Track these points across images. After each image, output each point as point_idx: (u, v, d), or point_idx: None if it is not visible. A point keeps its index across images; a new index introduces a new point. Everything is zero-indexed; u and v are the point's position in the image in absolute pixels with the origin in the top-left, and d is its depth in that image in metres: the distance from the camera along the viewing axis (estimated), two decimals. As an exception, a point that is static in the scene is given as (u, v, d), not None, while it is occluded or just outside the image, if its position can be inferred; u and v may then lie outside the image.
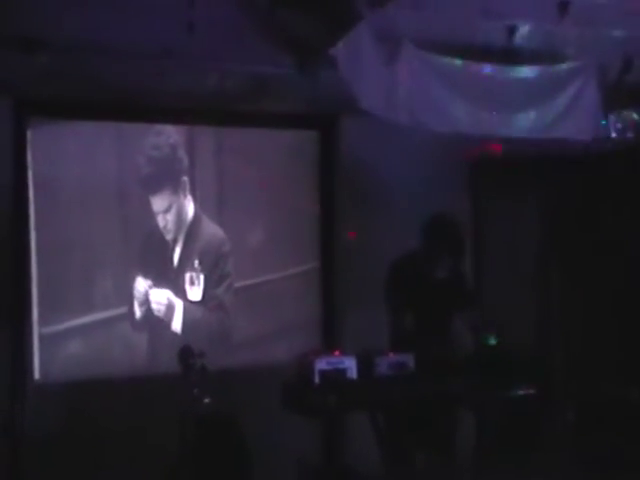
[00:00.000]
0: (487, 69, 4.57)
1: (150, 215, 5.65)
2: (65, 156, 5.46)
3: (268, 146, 5.90)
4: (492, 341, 4.69)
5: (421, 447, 4.73)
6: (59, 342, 5.40)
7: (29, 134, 5.36)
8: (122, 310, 5.56)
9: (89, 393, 5.25)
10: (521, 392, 4.63)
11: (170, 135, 5.71)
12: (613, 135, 5.29)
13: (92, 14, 4.09)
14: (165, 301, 5.66)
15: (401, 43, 4.30)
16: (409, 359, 4.49)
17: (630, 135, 5.34)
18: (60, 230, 5.42)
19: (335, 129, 5.99)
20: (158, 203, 5.67)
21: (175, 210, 5.73)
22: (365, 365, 4.45)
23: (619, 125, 5.26)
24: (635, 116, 5.30)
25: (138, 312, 5.60)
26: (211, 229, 5.82)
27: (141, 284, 5.59)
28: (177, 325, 5.69)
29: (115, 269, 5.54)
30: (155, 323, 5.64)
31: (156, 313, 5.64)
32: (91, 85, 4.92)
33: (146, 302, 5.61)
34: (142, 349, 5.61)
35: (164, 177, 5.68)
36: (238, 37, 4.33)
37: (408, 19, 4.16)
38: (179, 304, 5.70)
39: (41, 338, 5.36)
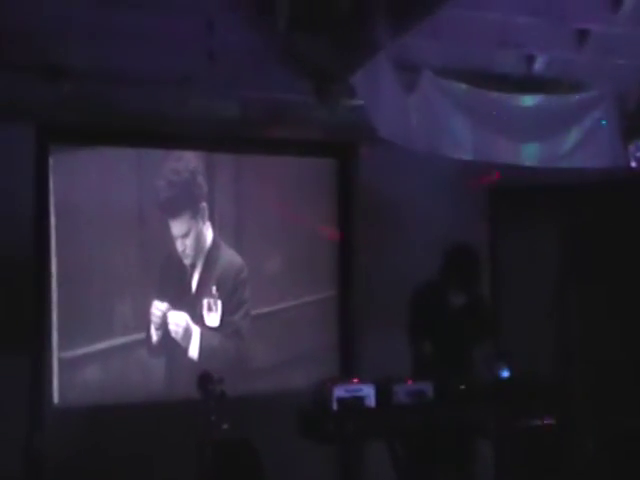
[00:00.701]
0: (503, 97, 4.58)
1: (169, 239, 5.69)
2: (86, 182, 5.53)
3: (286, 174, 5.93)
4: (505, 374, 4.66)
5: (440, 477, 4.68)
6: (78, 367, 5.42)
7: (51, 160, 5.42)
8: (140, 336, 5.58)
9: (107, 418, 5.26)
10: (540, 422, 4.58)
11: (190, 161, 5.76)
12: (633, 164, 5.26)
13: (113, 42, 4.13)
14: (183, 324, 5.68)
15: (420, 71, 4.32)
16: (428, 387, 4.46)
17: (650, 164, 5.31)
18: (80, 255, 5.46)
19: (354, 157, 6.02)
20: (177, 227, 5.71)
21: (194, 235, 5.76)
22: (383, 393, 4.42)
23: (639, 154, 5.24)
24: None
25: (155, 336, 5.62)
26: (229, 255, 5.84)
27: (158, 307, 5.61)
28: (194, 350, 5.70)
29: (134, 294, 5.58)
30: (172, 348, 5.65)
31: (173, 335, 5.65)
32: (112, 112, 4.98)
33: (163, 325, 5.62)
34: (159, 375, 5.62)
35: (183, 201, 5.72)
36: (257, 64, 4.35)
37: (427, 48, 4.18)
38: (196, 330, 5.72)
39: (60, 363, 5.39)
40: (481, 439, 4.79)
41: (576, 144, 4.68)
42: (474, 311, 4.84)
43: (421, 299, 4.85)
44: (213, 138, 5.58)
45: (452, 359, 4.70)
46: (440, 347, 4.70)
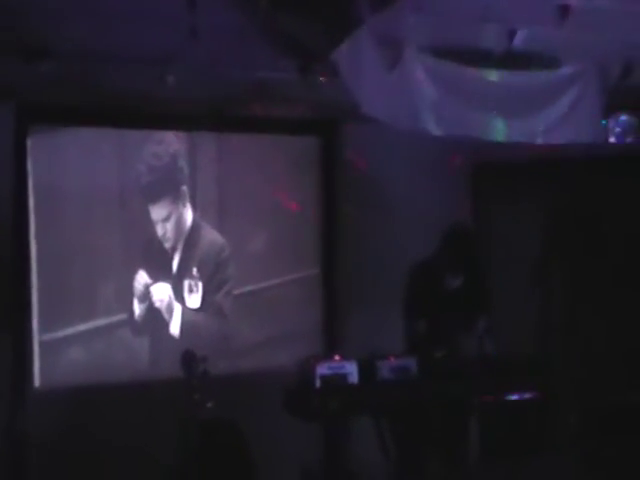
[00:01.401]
0: (486, 74, 4.59)
1: (149, 223, 5.65)
2: (66, 163, 5.47)
3: (269, 152, 5.91)
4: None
5: (426, 452, 4.71)
6: (59, 349, 5.39)
7: (30, 141, 5.36)
8: (122, 316, 5.55)
9: (90, 399, 5.23)
10: (522, 396, 4.63)
11: (171, 144, 5.72)
12: (612, 139, 5.31)
13: (93, 21, 4.09)
14: (166, 297, 5.65)
15: (403, 47, 4.32)
16: (411, 363, 4.49)
17: (629, 139, 5.36)
18: (60, 237, 5.42)
19: (337, 134, 6.01)
20: (157, 212, 5.68)
21: (174, 219, 5.73)
22: (367, 369, 4.45)
23: (618, 129, 5.29)
24: (634, 121, 5.32)
25: (138, 310, 5.58)
26: (210, 236, 5.82)
27: (141, 279, 5.59)
28: (176, 328, 5.68)
29: (115, 276, 5.54)
30: (155, 325, 5.62)
31: (157, 305, 5.61)
32: (92, 92, 4.94)
33: (146, 298, 5.59)
34: (143, 355, 5.59)
35: (164, 186, 5.69)
36: (239, 42, 4.33)
37: (408, 23, 4.17)
38: (178, 308, 5.71)
39: (41, 345, 5.34)
40: (465, 414, 4.82)
41: (557, 119, 4.71)
42: (470, 292, 4.87)
43: (417, 278, 4.86)
44: (196, 117, 5.54)
45: (446, 337, 4.73)
46: (434, 326, 4.73)
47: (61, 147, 5.46)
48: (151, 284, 5.62)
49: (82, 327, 5.43)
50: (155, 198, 5.66)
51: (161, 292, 5.65)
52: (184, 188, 5.75)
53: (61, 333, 5.39)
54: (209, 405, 4.22)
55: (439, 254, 4.82)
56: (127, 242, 5.58)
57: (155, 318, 5.64)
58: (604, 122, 4.99)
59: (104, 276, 5.51)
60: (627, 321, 5.94)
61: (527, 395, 4.64)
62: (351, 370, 4.43)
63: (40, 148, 5.39)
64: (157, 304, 5.64)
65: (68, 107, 5.24)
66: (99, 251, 5.49)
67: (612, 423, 5.04)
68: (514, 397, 4.65)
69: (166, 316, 5.68)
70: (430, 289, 4.79)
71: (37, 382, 5.35)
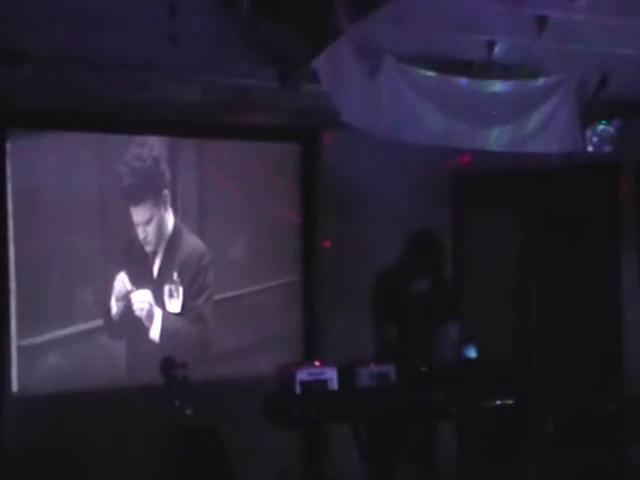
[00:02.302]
0: (465, 83, 4.62)
1: (130, 226, 5.64)
2: (45, 168, 5.45)
3: (250, 159, 5.92)
4: (473, 354, 4.73)
5: (402, 458, 4.74)
6: (38, 354, 5.36)
7: (8, 146, 5.33)
8: (101, 322, 5.53)
9: (68, 405, 5.21)
10: (501, 403, 4.67)
11: (153, 147, 5.72)
12: (590, 149, 5.37)
13: (73, 26, 4.07)
14: (146, 305, 5.64)
15: (382, 57, 4.34)
16: (391, 370, 4.52)
17: (606, 149, 5.42)
18: (39, 242, 5.39)
19: (317, 142, 6.03)
20: (139, 214, 5.67)
21: (156, 222, 5.73)
22: (346, 376, 4.47)
23: (595, 139, 5.35)
24: (611, 131, 5.38)
25: (116, 313, 5.56)
26: (191, 242, 5.82)
27: (121, 282, 5.57)
28: (156, 333, 5.68)
29: (95, 281, 5.53)
30: (135, 330, 5.61)
31: (137, 313, 5.61)
32: (72, 97, 4.91)
33: (126, 302, 5.57)
34: (122, 360, 5.58)
35: (146, 189, 5.69)
36: (220, 49, 4.34)
37: (389, 33, 4.19)
38: (158, 313, 5.70)
39: (20, 350, 5.32)
40: (442, 421, 4.85)
41: (536, 129, 4.75)
42: (437, 295, 4.91)
43: (384, 284, 4.91)
44: (176, 123, 5.54)
45: (416, 341, 4.76)
46: (404, 330, 4.75)
47: (40, 151, 5.44)
48: (131, 290, 5.61)
49: (61, 332, 5.41)
50: (137, 200, 5.66)
51: (142, 299, 5.65)
52: (166, 192, 5.75)
53: (40, 338, 5.36)
54: (188, 411, 4.22)
55: (404, 260, 4.86)
56: (107, 246, 5.57)
57: (135, 324, 5.63)
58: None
59: (83, 281, 5.50)
60: (604, 329, 6.00)
61: (505, 401, 4.67)
62: (331, 376, 4.45)
63: (19, 152, 5.37)
64: (137, 312, 5.63)
65: (48, 112, 5.21)
66: (79, 255, 5.48)
67: (588, 429, 5.09)
68: (492, 403, 4.68)
69: (146, 323, 5.67)
70: (397, 295, 4.82)
71: (15, 387, 5.32)
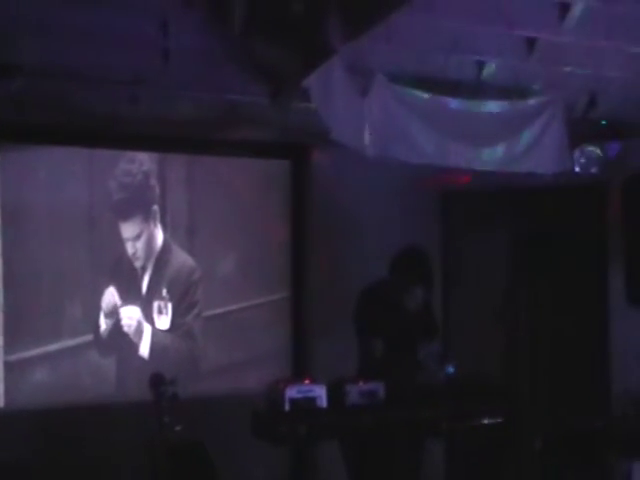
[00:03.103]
0: (455, 103, 4.66)
1: (119, 241, 5.63)
2: (34, 181, 5.43)
3: (240, 175, 5.93)
4: (450, 370, 4.74)
5: (393, 476, 4.73)
6: (25, 370, 5.32)
7: (-2, 159, 5.34)
8: (90, 337, 5.51)
9: (56, 421, 5.18)
10: (489, 421, 4.67)
11: (143, 162, 5.71)
12: (577, 170, 5.41)
13: (65, 40, 4.08)
14: (134, 322, 5.62)
15: (373, 76, 4.37)
16: (379, 388, 4.51)
17: (594, 170, 5.47)
18: (28, 257, 5.36)
19: (307, 159, 6.05)
20: (128, 230, 5.66)
21: (145, 238, 5.72)
22: (335, 393, 4.46)
23: (583, 160, 5.39)
24: (598, 152, 5.44)
25: (104, 327, 5.54)
26: (181, 258, 5.81)
27: (110, 296, 5.55)
28: (145, 349, 5.66)
29: (83, 296, 5.51)
30: (124, 346, 5.59)
31: (126, 329, 5.59)
32: (62, 111, 4.91)
33: (114, 317, 5.55)
34: (110, 376, 5.55)
35: (135, 204, 5.68)
36: (211, 66, 4.35)
37: (380, 52, 4.23)
38: (148, 329, 5.68)
39: (7, 365, 5.28)
40: (432, 438, 4.85)
41: (526, 149, 4.80)
42: (422, 313, 4.92)
43: (369, 300, 4.89)
44: (166, 139, 5.55)
45: (402, 359, 4.76)
46: (390, 347, 4.75)
47: (30, 165, 5.43)
48: (120, 305, 5.59)
49: (49, 347, 5.37)
50: (126, 216, 5.65)
51: (130, 315, 5.63)
52: (155, 207, 5.74)
53: (27, 353, 5.32)
54: (178, 428, 4.20)
55: (395, 276, 4.85)
56: (96, 262, 5.55)
57: (123, 340, 5.61)
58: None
59: (72, 296, 5.48)
60: (592, 349, 6.03)
61: (493, 419, 4.68)
62: (320, 394, 4.43)
63: (8, 165, 5.35)
64: (125, 328, 5.62)
65: (38, 125, 5.21)
66: (67, 270, 5.46)
67: (575, 447, 5.11)
68: (480, 421, 4.69)
69: (135, 339, 5.65)
70: (384, 310, 4.82)
71: (2, 402, 5.28)
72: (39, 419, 5.19)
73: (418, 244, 4.91)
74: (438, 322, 5.27)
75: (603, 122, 5.23)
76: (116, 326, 5.59)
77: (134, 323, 5.63)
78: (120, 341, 5.60)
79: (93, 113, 4.94)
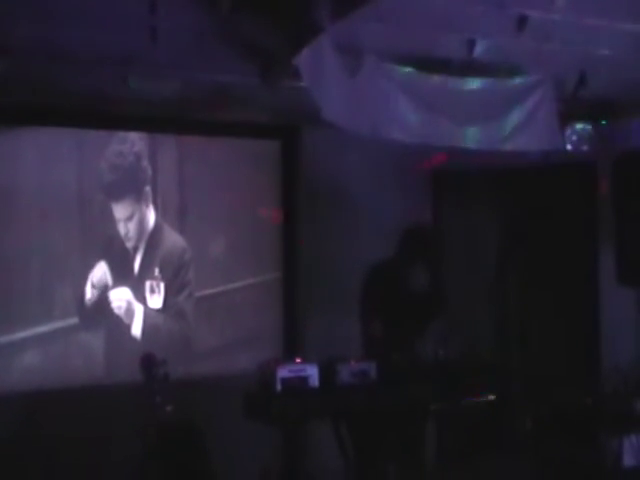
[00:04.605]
0: (446, 81, 4.64)
1: (111, 222, 5.61)
2: (24, 163, 5.40)
3: (230, 155, 5.91)
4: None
5: (385, 456, 4.75)
6: (15, 352, 5.31)
7: (-14, 141, 5.30)
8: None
9: (47, 403, 5.17)
10: (480, 399, 4.70)
11: (134, 143, 5.69)
12: (568, 148, 5.41)
13: (53, 20, 4.04)
14: (124, 303, 5.61)
15: (363, 55, 4.35)
16: (371, 367, 4.52)
17: (585, 148, 5.46)
18: (18, 238, 5.34)
19: (297, 139, 6.02)
20: (120, 211, 5.65)
21: (137, 218, 5.71)
22: (327, 373, 4.47)
23: (574, 138, 5.39)
24: (590, 129, 5.43)
25: (89, 294, 5.50)
26: (172, 238, 5.80)
27: (100, 270, 5.52)
28: (137, 330, 5.66)
29: (74, 278, 5.49)
30: (113, 326, 5.58)
31: (116, 311, 5.58)
32: (51, 92, 4.88)
33: (101, 288, 5.53)
34: (101, 358, 5.55)
35: (127, 185, 5.66)
36: (201, 45, 4.32)
37: (370, 31, 4.20)
38: (139, 309, 5.68)
39: (-4, 348, 5.28)
40: (423, 418, 4.87)
41: (515, 128, 4.78)
42: (429, 295, 4.91)
43: (378, 280, 4.87)
44: (155, 119, 5.52)
45: (402, 340, 4.77)
46: (392, 328, 4.76)
47: (19, 146, 5.39)
48: (111, 285, 5.58)
49: (39, 329, 5.36)
50: (118, 197, 5.63)
51: (119, 297, 5.62)
52: (147, 189, 5.72)
53: (17, 336, 5.31)
54: (169, 408, 4.21)
55: (401, 255, 4.83)
56: (86, 243, 5.54)
57: (114, 321, 5.60)
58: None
59: (62, 278, 5.46)
60: (581, 326, 6.06)
61: (484, 398, 4.70)
62: (312, 373, 4.44)
63: (-3, 148, 5.33)
64: (115, 310, 5.61)
65: (26, 106, 5.17)
66: (58, 252, 5.44)
67: (566, 424, 5.15)
68: (472, 400, 4.71)
69: (126, 320, 5.64)
70: (391, 291, 4.81)
71: (-8, 385, 5.29)
72: (29, 401, 5.18)
73: (424, 223, 4.87)
74: (445, 303, 5.21)
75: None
76: (103, 302, 5.56)
77: (124, 304, 5.62)
78: (110, 322, 5.59)
79: (81, 93, 4.91)
